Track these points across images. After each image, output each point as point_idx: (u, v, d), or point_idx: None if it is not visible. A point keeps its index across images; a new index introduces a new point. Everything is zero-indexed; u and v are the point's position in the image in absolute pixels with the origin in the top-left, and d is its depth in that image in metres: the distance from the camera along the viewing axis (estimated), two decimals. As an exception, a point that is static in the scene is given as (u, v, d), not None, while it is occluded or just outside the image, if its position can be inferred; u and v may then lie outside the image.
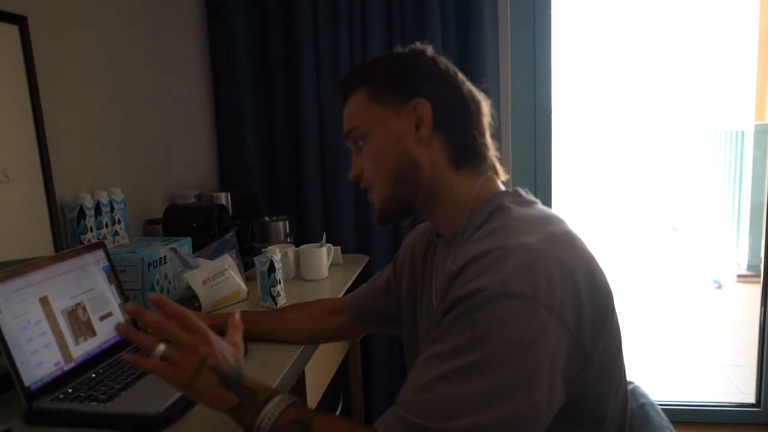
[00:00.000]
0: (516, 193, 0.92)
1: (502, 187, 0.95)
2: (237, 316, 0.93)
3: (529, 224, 0.83)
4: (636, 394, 1.00)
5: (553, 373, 0.74)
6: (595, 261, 0.85)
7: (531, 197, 0.93)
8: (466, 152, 0.94)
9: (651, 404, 0.97)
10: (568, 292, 0.76)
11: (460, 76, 0.98)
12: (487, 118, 0.97)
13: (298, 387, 1.42)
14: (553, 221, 0.87)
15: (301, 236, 2.20)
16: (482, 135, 0.96)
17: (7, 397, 1.04)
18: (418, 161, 0.93)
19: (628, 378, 1.04)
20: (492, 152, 0.97)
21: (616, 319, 0.86)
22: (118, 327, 0.83)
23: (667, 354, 3.51)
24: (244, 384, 0.83)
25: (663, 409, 0.96)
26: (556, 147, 2.27)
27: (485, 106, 0.98)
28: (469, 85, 0.97)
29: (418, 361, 0.80)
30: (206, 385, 0.81)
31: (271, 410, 0.80)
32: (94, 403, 0.95)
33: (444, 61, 0.98)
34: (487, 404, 0.71)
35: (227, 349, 0.86)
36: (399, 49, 1.01)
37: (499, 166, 0.98)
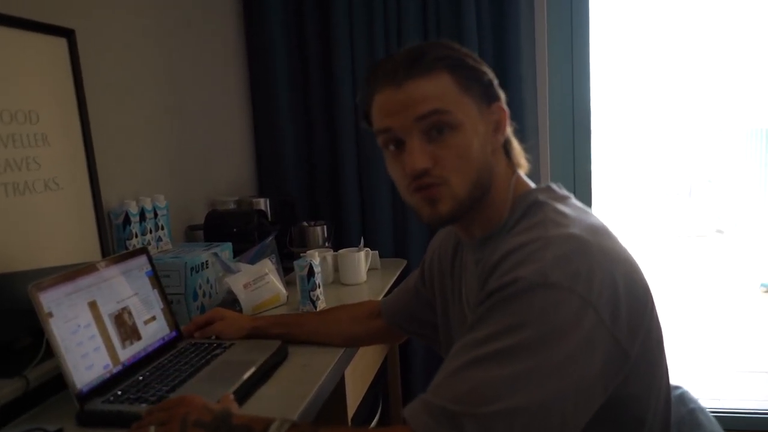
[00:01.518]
0: (549, 189, 0.91)
1: (533, 184, 0.94)
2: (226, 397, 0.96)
3: (568, 217, 0.83)
4: (685, 399, 0.98)
5: (587, 365, 0.73)
6: (632, 257, 0.84)
7: (564, 192, 0.92)
8: (520, 157, 0.94)
9: (701, 409, 0.94)
10: (606, 286, 0.75)
11: None
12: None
13: (337, 391, 1.43)
14: (589, 214, 0.87)
15: (339, 241, 2.21)
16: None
17: (59, 399, 1.08)
18: (493, 166, 0.89)
19: (677, 383, 1.01)
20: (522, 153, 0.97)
21: (657, 317, 0.84)
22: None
23: (714, 359, 3.41)
24: (235, 423, 0.83)
25: (716, 416, 0.93)
26: (595, 149, 2.23)
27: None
28: None
29: (451, 351, 0.79)
30: None
31: None
32: (144, 405, 0.97)
33: None
34: (516, 390, 0.70)
35: (212, 403, 0.88)
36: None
37: (522, 160, 0.96)
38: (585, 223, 0.82)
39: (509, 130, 0.93)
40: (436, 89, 0.84)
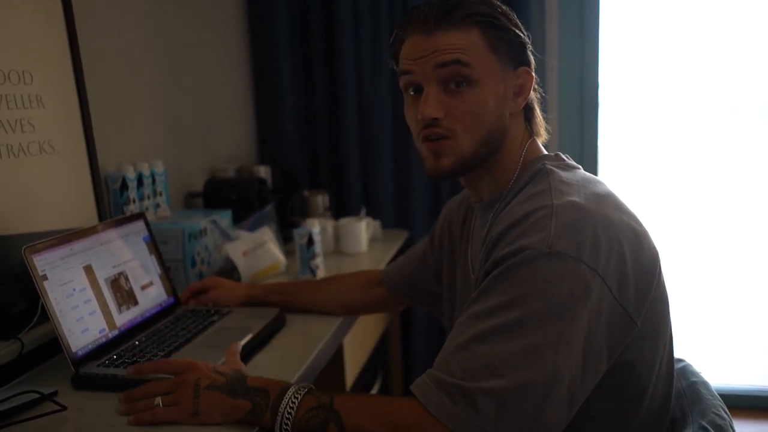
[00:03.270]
0: (558, 157, 0.91)
1: (545, 151, 0.93)
2: (234, 347, 0.98)
3: (573, 186, 0.82)
4: (686, 372, 0.97)
5: (594, 335, 0.73)
6: (641, 223, 0.83)
7: (573, 162, 0.91)
8: (536, 125, 0.93)
9: (703, 383, 0.93)
10: (612, 253, 0.75)
11: None
12: None
13: (336, 360, 1.42)
14: (596, 182, 0.86)
15: (340, 210, 2.19)
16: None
17: (54, 363, 1.07)
18: (507, 127, 0.89)
19: (680, 356, 1.00)
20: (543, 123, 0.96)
21: (663, 284, 0.83)
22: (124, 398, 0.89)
23: (725, 339, 3.40)
24: (250, 386, 0.83)
25: (721, 393, 0.91)
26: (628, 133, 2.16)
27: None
28: None
29: (456, 323, 0.78)
30: (212, 403, 0.82)
31: (288, 404, 0.79)
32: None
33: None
34: (527, 364, 0.70)
35: (221, 366, 0.88)
36: None
37: (541, 130, 0.95)
38: (590, 192, 0.81)
39: (535, 97, 0.92)
40: (462, 42, 0.83)
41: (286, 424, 0.78)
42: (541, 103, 0.95)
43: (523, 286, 0.73)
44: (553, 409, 0.70)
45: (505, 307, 0.73)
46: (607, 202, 0.81)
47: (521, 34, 0.87)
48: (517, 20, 0.89)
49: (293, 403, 0.79)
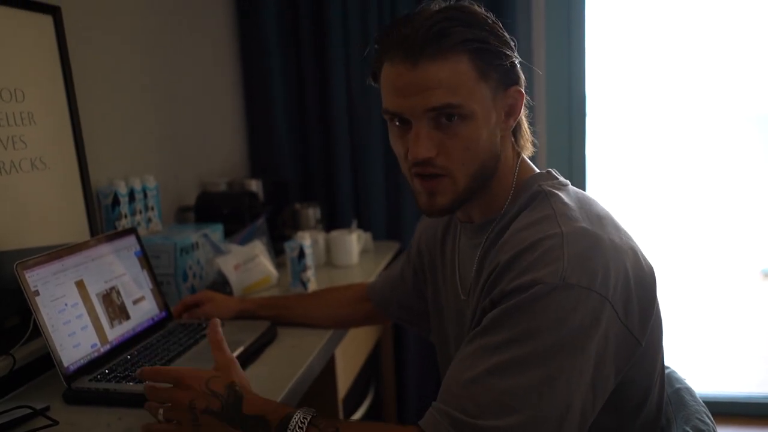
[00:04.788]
0: (550, 175, 0.89)
1: (536, 169, 0.92)
2: (215, 326, 0.89)
3: (573, 209, 0.81)
4: (671, 379, 0.98)
5: (602, 361, 0.73)
6: (636, 243, 0.84)
7: (563, 179, 0.91)
8: (522, 141, 0.91)
9: (687, 389, 0.95)
10: (619, 277, 0.75)
11: None
12: None
13: (328, 371, 1.43)
14: (593, 203, 0.86)
15: (332, 223, 2.20)
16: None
17: (46, 378, 1.08)
18: (500, 153, 0.86)
19: (665, 363, 1.02)
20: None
21: (658, 300, 0.84)
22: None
23: (713, 346, 3.42)
24: (246, 414, 0.78)
25: (706, 401, 0.93)
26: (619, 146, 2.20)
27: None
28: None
29: (462, 354, 0.77)
30: (210, 429, 0.79)
31: None
32: (131, 383, 0.97)
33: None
34: (540, 398, 0.69)
35: (214, 380, 0.82)
36: (477, 7, 0.84)
37: (528, 143, 0.93)
38: (592, 214, 0.81)
39: (522, 113, 0.88)
40: (452, 77, 0.78)
41: None
42: (529, 116, 0.92)
43: (535, 320, 0.71)
44: None
45: (517, 341, 0.72)
46: (608, 223, 0.81)
47: (511, 54, 0.82)
48: (505, 33, 0.84)
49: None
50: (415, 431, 0.73)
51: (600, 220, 0.81)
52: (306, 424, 0.75)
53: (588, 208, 0.83)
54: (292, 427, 0.75)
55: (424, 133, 0.80)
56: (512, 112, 0.85)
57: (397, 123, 0.84)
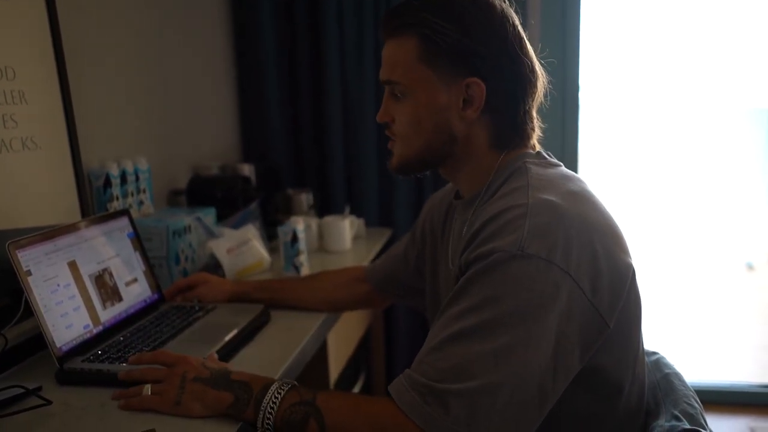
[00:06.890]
0: (539, 155, 0.90)
1: (547, 157, 0.92)
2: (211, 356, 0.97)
3: (550, 182, 0.82)
4: (660, 364, 0.99)
5: (565, 336, 0.74)
6: (616, 223, 0.84)
7: (555, 160, 0.91)
8: (512, 136, 0.89)
9: (675, 374, 0.96)
10: (584, 254, 0.75)
11: (525, 43, 0.88)
12: (540, 94, 0.91)
13: (320, 356, 1.44)
14: (575, 180, 0.86)
15: (324, 208, 2.20)
16: (531, 117, 0.90)
17: (39, 358, 1.07)
18: (456, 136, 0.88)
19: (653, 349, 1.03)
20: (536, 133, 0.92)
21: (637, 287, 0.84)
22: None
23: (699, 337, 3.46)
24: (233, 379, 0.84)
25: (696, 389, 0.94)
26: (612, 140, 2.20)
27: (541, 82, 0.91)
28: (531, 56, 0.89)
29: (434, 324, 0.80)
30: (195, 394, 0.84)
31: (271, 399, 0.80)
32: (123, 364, 0.97)
33: (514, 21, 0.87)
34: (497, 365, 0.71)
35: (210, 360, 0.92)
36: None
37: (537, 145, 0.93)
38: (568, 189, 0.81)
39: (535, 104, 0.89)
40: (396, 55, 0.87)
41: (269, 419, 0.79)
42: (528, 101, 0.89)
43: (494, 288, 0.74)
44: (524, 408, 0.71)
45: (477, 308, 0.74)
46: (584, 200, 0.82)
47: (471, 44, 0.82)
48: (476, 27, 0.83)
49: (276, 398, 0.80)
50: (386, 400, 0.76)
51: (576, 195, 0.81)
52: (286, 389, 0.81)
53: (568, 184, 0.83)
54: (272, 391, 0.81)
55: (384, 102, 0.92)
56: (472, 102, 0.85)
57: None
